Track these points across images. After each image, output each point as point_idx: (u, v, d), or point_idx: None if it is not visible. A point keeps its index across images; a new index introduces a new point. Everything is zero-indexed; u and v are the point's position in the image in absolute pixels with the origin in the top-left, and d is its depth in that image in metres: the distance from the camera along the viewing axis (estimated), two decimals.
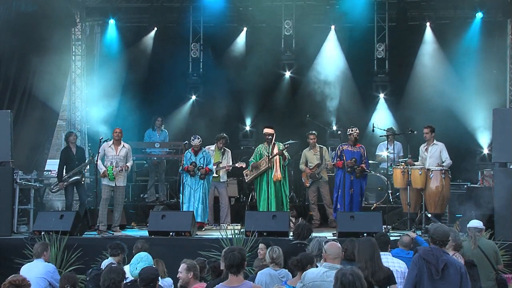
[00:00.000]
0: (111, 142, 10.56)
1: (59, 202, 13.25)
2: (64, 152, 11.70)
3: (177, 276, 6.14)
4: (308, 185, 11.56)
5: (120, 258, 7.50)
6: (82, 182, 11.39)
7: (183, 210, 10.67)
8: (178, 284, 6.14)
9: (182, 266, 6.07)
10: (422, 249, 5.49)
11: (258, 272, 6.44)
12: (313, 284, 5.23)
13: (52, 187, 11.99)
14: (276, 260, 6.51)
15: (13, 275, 5.77)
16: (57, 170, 11.67)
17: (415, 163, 10.47)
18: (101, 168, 10.39)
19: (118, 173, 10.40)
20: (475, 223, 7.67)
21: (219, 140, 11.59)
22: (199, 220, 10.63)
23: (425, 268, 5.32)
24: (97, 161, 10.44)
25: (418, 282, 5.33)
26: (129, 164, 10.65)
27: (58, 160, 11.58)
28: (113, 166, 10.35)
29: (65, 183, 11.21)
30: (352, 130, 10.82)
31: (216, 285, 5.20)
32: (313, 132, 11.76)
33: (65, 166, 11.33)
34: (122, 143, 10.65)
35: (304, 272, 5.51)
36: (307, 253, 6.22)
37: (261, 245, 7.68)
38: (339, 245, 5.49)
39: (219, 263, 6.79)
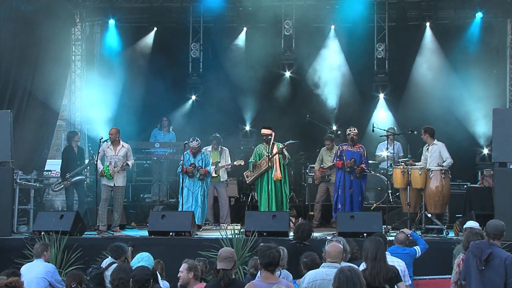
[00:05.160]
0: (109, 143, 10.56)
1: (59, 202, 13.26)
2: (66, 151, 11.80)
3: (178, 275, 6.13)
4: (317, 183, 11.58)
5: (122, 259, 7.48)
6: (86, 182, 11.44)
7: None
8: (178, 284, 6.13)
9: (183, 266, 6.06)
10: (472, 244, 5.99)
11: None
12: (314, 284, 5.26)
13: (53, 186, 12.04)
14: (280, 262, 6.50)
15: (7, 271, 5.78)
16: (59, 170, 11.73)
17: (417, 163, 10.46)
18: (100, 168, 10.41)
19: (117, 172, 10.40)
20: (472, 224, 7.67)
21: (212, 142, 11.64)
22: (203, 223, 10.71)
23: (473, 261, 5.92)
24: (96, 161, 10.45)
25: (467, 274, 5.95)
26: (130, 162, 10.65)
27: (60, 160, 11.63)
28: (108, 165, 10.36)
29: (68, 182, 11.32)
30: (350, 130, 10.84)
31: (253, 281, 5.29)
32: (330, 135, 11.82)
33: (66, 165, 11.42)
34: (121, 143, 10.64)
35: (304, 275, 5.53)
36: (314, 256, 6.22)
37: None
38: (341, 246, 5.51)
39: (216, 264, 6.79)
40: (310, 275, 5.40)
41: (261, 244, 6.01)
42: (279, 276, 5.35)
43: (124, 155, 10.56)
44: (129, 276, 5.52)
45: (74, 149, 11.65)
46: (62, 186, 11.69)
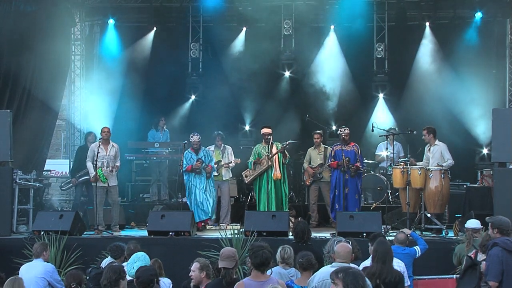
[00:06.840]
0: (99, 142, 10.53)
1: (58, 202, 13.26)
2: (80, 150, 11.92)
3: (189, 274, 6.12)
4: (308, 183, 11.57)
5: (121, 259, 7.49)
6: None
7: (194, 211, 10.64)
8: (191, 284, 6.13)
9: (195, 265, 6.04)
10: (501, 241, 5.58)
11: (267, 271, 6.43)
12: (323, 283, 5.24)
13: (62, 184, 12.08)
14: (287, 260, 6.52)
15: None
16: (71, 168, 11.83)
17: (419, 163, 10.45)
18: (92, 172, 10.37)
19: (109, 173, 10.39)
20: (473, 224, 7.66)
21: (215, 139, 11.63)
22: (212, 216, 10.83)
23: (510, 259, 5.51)
24: (91, 162, 10.43)
25: (506, 273, 5.50)
26: (118, 164, 10.65)
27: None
28: (102, 168, 10.33)
29: (76, 181, 11.39)
30: (341, 131, 10.86)
31: (243, 279, 5.27)
32: (318, 131, 11.79)
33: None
34: (111, 142, 10.64)
35: (314, 275, 5.54)
36: (309, 257, 6.23)
37: None
38: (350, 246, 5.50)
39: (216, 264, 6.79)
40: (320, 274, 5.38)
41: (253, 243, 5.97)
42: (269, 275, 5.36)
43: (115, 154, 10.56)
44: (117, 276, 5.49)
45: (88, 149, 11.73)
46: (71, 184, 11.77)
